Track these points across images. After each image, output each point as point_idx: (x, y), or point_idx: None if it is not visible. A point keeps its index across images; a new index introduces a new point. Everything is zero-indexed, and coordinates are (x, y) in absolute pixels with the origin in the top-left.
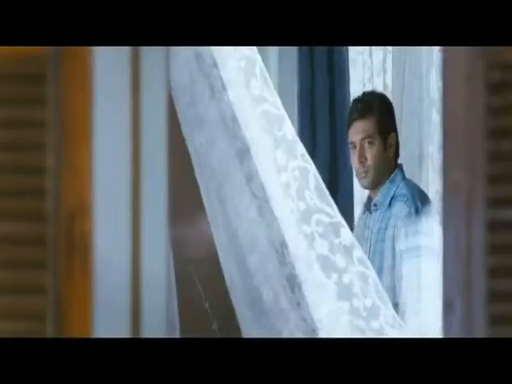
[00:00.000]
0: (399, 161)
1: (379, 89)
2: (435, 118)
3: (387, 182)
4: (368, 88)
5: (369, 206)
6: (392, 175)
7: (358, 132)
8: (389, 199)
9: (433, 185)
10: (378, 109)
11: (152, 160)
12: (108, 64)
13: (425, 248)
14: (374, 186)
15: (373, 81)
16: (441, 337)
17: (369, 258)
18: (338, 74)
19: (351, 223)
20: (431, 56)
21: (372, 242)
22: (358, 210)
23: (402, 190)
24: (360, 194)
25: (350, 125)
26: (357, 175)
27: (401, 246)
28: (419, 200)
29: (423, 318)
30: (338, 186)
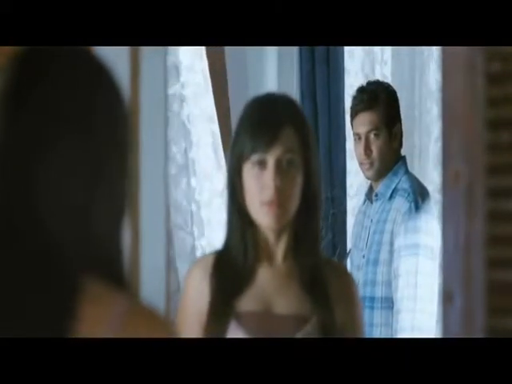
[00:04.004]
0: (401, 152)
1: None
2: (434, 109)
3: (390, 174)
4: (367, 79)
5: (370, 195)
6: (395, 167)
7: (363, 124)
8: (390, 191)
9: (431, 176)
10: (384, 100)
11: (151, 155)
12: (108, 60)
13: (423, 246)
14: (378, 177)
15: (373, 72)
16: (439, 333)
17: (366, 247)
18: (334, 65)
19: (344, 209)
20: (430, 47)
21: (371, 231)
22: (349, 196)
23: (404, 184)
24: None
25: (354, 115)
26: (361, 166)
27: (399, 242)
28: (420, 196)
29: (418, 316)
30: (332, 172)
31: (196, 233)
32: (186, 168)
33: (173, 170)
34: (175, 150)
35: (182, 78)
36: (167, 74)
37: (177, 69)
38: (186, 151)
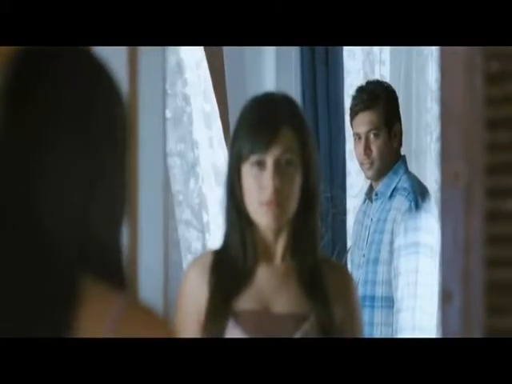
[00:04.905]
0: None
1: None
2: (433, 108)
3: (390, 173)
4: (365, 79)
5: (370, 194)
6: (395, 166)
7: (363, 124)
8: (390, 190)
9: (431, 176)
10: (384, 99)
11: (151, 155)
12: (106, 59)
13: (423, 245)
14: (378, 176)
15: (371, 72)
16: (439, 334)
17: (366, 246)
18: (333, 64)
19: (344, 208)
20: (430, 47)
21: (371, 231)
22: (349, 196)
23: (404, 183)
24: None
25: (354, 115)
26: (361, 166)
27: (399, 241)
28: (420, 195)
29: (419, 315)
30: (332, 172)
31: (199, 232)
32: (190, 167)
33: (175, 170)
34: (176, 150)
35: (184, 77)
36: (168, 72)
37: (178, 67)
38: (187, 150)
